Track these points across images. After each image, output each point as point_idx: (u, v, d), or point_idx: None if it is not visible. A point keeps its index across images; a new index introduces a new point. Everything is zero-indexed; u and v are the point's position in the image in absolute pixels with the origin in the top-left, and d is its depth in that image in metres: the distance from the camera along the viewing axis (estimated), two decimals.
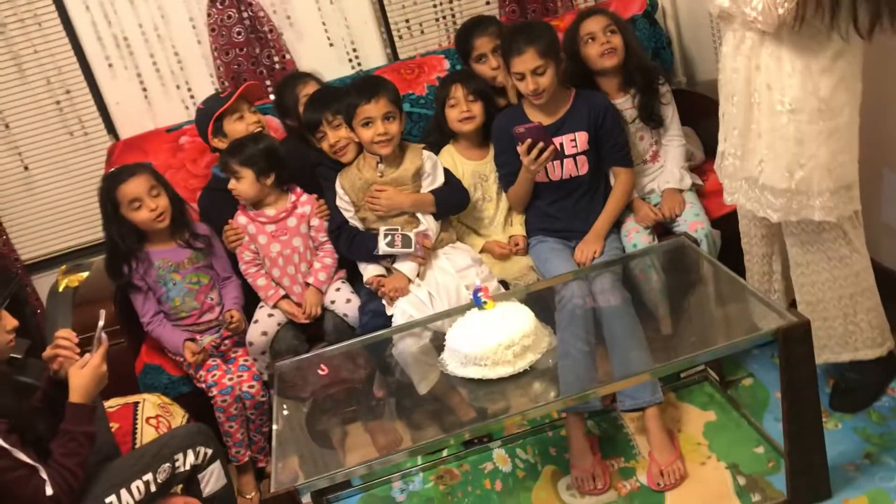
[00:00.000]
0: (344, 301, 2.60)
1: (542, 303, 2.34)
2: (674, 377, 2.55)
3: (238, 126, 2.66)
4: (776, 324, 1.89)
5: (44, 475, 1.70)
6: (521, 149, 2.45)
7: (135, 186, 2.46)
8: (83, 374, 1.82)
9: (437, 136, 2.75)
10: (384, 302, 2.50)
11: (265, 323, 2.59)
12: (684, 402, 2.49)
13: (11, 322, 1.86)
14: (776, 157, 1.95)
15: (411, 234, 2.51)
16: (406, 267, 2.52)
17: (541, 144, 2.43)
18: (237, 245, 2.61)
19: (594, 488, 2.23)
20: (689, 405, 2.48)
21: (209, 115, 2.67)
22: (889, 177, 2.38)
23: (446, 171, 2.62)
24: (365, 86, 2.52)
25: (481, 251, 2.68)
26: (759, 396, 2.44)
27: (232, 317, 2.57)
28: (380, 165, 2.54)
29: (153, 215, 2.47)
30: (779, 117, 1.92)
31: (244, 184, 2.55)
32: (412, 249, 2.50)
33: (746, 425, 2.35)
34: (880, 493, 1.99)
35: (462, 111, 2.63)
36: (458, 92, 2.63)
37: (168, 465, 1.92)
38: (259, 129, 2.68)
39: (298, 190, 2.65)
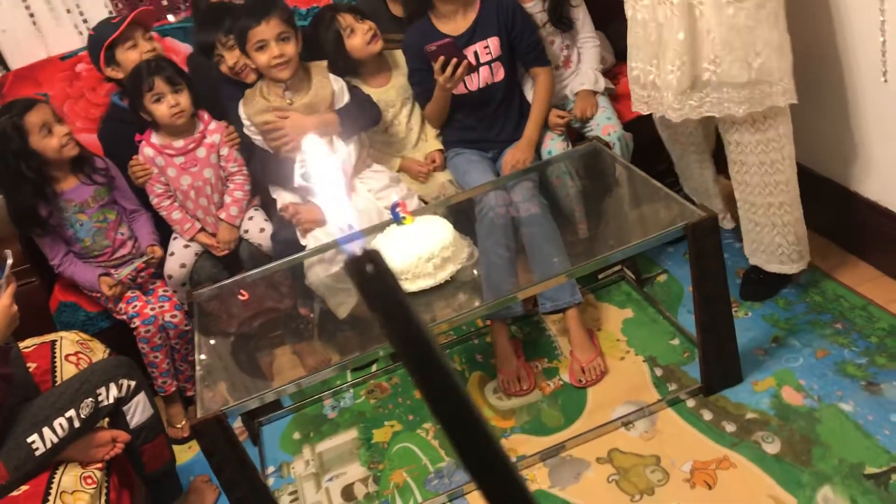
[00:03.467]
0: (257, 230, 2.55)
1: (461, 215, 2.36)
2: (592, 278, 2.62)
3: (131, 55, 2.50)
4: (686, 220, 1.94)
5: None
6: (435, 67, 2.41)
7: (42, 113, 2.33)
8: None
9: (336, 73, 2.64)
10: (298, 233, 2.47)
11: (182, 254, 2.54)
12: (603, 302, 2.57)
13: None
14: (732, 51, 1.94)
15: None
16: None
17: (454, 61, 2.39)
18: (145, 181, 2.51)
19: (519, 389, 2.30)
20: (607, 304, 2.56)
21: (100, 44, 2.52)
22: None
23: (353, 88, 2.53)
24: (254, 6, 2.38)
25: (398, 171, 2.65)
26: (673, 291, 2.53)
27: (154, 252, 2.51)
28: (286, 93, 2.44)
29: (64, 140, 2.34)
30: (725, 9, 1.91)
31: (185, 96, 2.42)
32: None
33: (662, 320, 2.44)
34: (786, 372, 2.11)
35: (364, 32, 2.51)
36: (348, 19, 2.51)
37: (91, 399, 1.89)
38: (154, 56, 2.55)
39: (206, 117, 2.54)
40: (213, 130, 2.54)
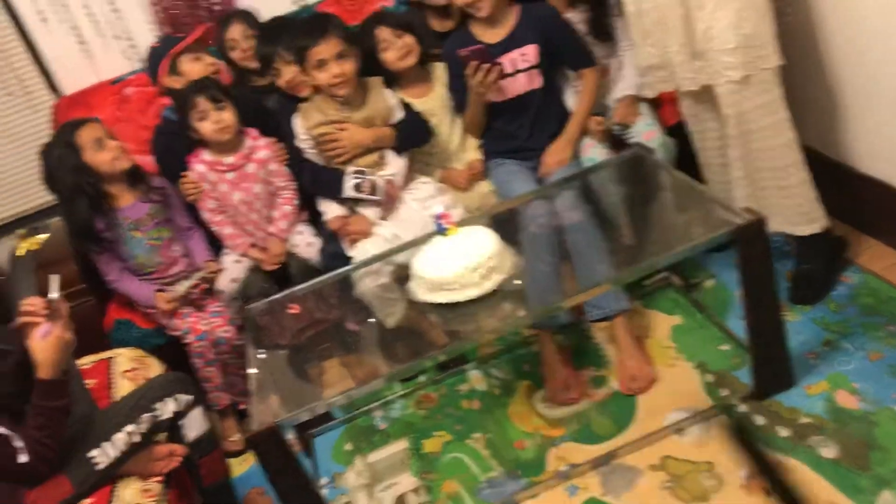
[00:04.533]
0: (306, 245, 2.60)
1: (504, 225, 2.36)
2: (638, 286, 2.60)
3: (196, 66, 2.59)
4: (732, 224, 1.93)
5: (18, 443, 1.69)
6: (468, 72, 2.43)
7: (93, 130, 2.40)
8: (46, 346, 1.73)
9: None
10: (345, 245, 2.50)
11: (233, 269, 2.59)
12: (650, 309, 2.55)
13: None
14: (725, 16, 2.07)
15: (380, 181, 2.47)
16: (369, 211, 2.51)
17: (487, 66, 2.41)
18: (196, 197, 2.57)
19: (569, 398, 2.30)
20: (655, 311, 2.54)
21: (165, 51, 2.60)
22: None
23: (406, 105, 2.57)
24: (312, 25, 2.43)
25: (439, 181, 2.67)
26: (721, 297, 2.51)
27: (210, 266, 2.57)
28: (344, 107, 2.48)
29: (115, 153, 2.41)
30: None
31: (228, 113, 2.48)
32: (379, 197, 2.47)
33: (711, 325, 2.42)
34: (839, 376, 2.08)
35: (398, 49, 2.55)
36: (384, 34, 2.54)
37: (149, 414, 1.94)
38: (215, 71, 2.63)
39: (254, 133, 2.60)
40: (261, 147, 2.59)
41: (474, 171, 2.64)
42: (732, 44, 2.09)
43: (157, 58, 2.63)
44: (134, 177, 2.51)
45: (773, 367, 2.08)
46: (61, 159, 2.38)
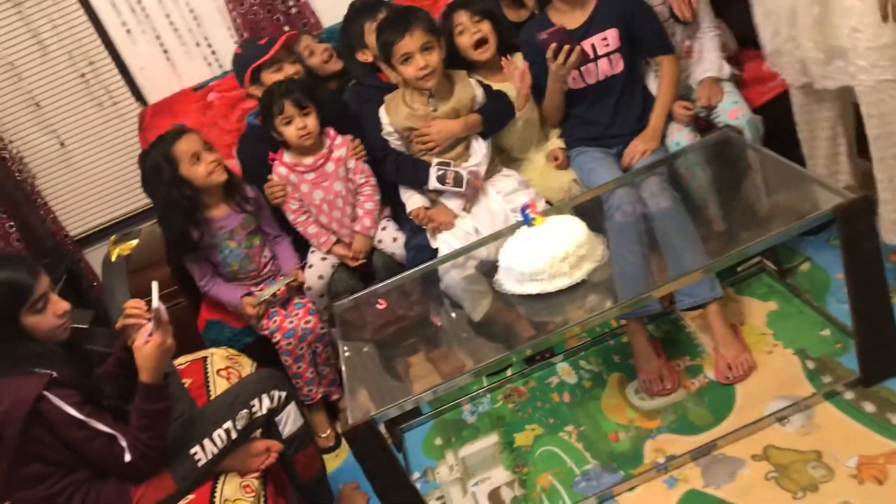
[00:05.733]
0: (390, 240, 2.61)
1: (590, 214, 2.32)
2: (731, 272, 2.53)
3: (277, 78, 2.62)
4: (833, 202, 1.85)
5: (122, 443, 1.74)
6: (548, 55, 2.39)
7: (191, 142, 2.44)
8: (148, 352, 1.75)
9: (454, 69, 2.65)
10: (428, 235, 2.50)
11: (320, 267, 2.62)
12: (744, 296, 2.48)
13: (63, 306, 1.80)
14: (874, 15, 1.89)
15: (464, 173, 2.46)
16: (452, 202, 2.50)
17: (567, 47, 2.37)
18: (282, 201, 2.60)
19: (663, 389, 2.25)
20: (749, 298, 2.46)
21: (246, 65, 2.66)
22: None
23: (484, 86, 2.56)
24: (396, 20, 2.42)
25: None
26: (818, 280, 2.41)
27: (297, 276, 2.60)
28: (431, 100, 2.48)
29: (212, 168, 2.44)
30: None
31: (312, 119, 2.50)
32: (463, 188, 2.47)
33: (809, 310, 2.33)
34: None
35: (472, 34, 2.54)
36: (462, 17, 2.54)
37: (245, 411, 1.96)
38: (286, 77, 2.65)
39: (332, 133, 2.63)
40: (339, 145, 2.61)
41: (557, 159, 2.60)
42: (883, 40, 1.92)
43: (240, 65, 2.69)
44: (229, 188, 2.55)
45: (882, 352, 1.98)
46: (157, 170, 2.43)
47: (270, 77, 2.64)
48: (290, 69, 2.66)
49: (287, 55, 2.69)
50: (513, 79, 2.51)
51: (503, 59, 2.53)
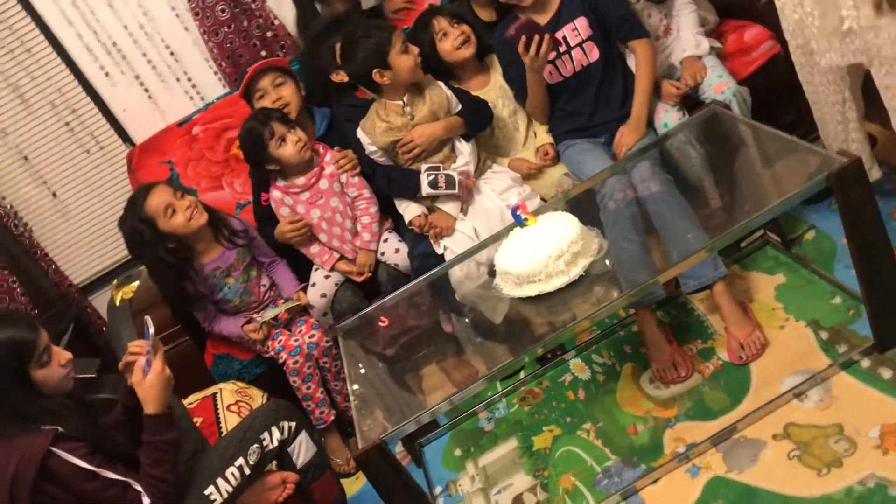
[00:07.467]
0: (393, 251, 2.59)
1: (584, 207, 2.29)
2: (735, 249, 2.49)
3: (264, 103, 2.62)
4: (827, 168, 1.81)
5: (137, 487, 1.73)
6: (520, 49, 2.36)
7: (161, 195, 2.39)
8: (150, 382, 1.78)
9: (435, 76, 2.64)
10: (431, 241, 2.49)
11: (323, 285, 2.60)
12: (750, 271, 2.43)
13: (65, 356, 1.80)
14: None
15: (454, 174, 2.46)
16: (449, 206, 2.50)
17: (536, 38, 2.34)
18: (303, 238, 2.58)
19: (677, 376, 2.21)
20: (755, 273, 2.42)
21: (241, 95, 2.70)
22: None
23: (460, 91, 2.57)
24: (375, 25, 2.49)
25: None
26: (824, 248, 2.37)
27: (300, 298, 2.59)
28: (406, 108, 2.49)
29: (189, 214, 2.40)
30: None
31: (301, 131, 2.51)
32: (456, 190, 2.46)
33: (818, 279, 2.28)
34: None
35: (455, 37, 2.55)
36: (442, 23, 2.56)
37: (256, 445, 1.94)
38: (285, 104, 2.62)
39: (321, 149, 2.61)
40: (329, 161, 2.60)
41: (547, 156, 2.58)
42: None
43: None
44: (215, 226, 2.52)
45: (894, 315, 1.93)
46: (138, 233, 2.40)
47: (258, 104, 2.63)
48: (273, 95, 2.61)
49: (273, 79, 2.64)
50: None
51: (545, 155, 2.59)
